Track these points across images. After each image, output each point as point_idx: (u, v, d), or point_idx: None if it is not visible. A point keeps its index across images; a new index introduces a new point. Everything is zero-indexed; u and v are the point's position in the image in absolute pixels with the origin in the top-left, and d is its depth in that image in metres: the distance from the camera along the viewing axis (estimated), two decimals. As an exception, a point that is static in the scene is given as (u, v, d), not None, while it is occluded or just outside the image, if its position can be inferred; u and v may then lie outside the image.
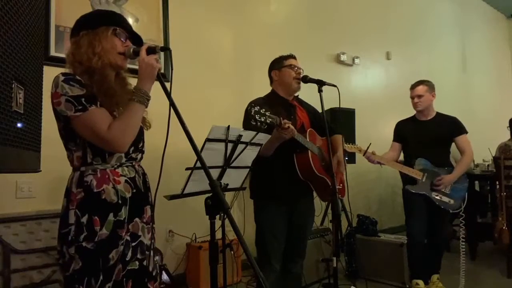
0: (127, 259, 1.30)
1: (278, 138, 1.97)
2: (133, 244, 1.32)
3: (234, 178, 1.83)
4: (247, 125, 1.99)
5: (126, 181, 1.34)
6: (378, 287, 3.19)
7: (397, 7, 5.71)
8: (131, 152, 1.39)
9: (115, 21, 1.41)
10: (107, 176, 1.30)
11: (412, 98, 3.08)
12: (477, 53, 7.37)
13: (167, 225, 3.12)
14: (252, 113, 1.78)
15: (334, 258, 2.00)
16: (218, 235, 1.68)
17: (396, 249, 3.21)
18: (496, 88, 7.73)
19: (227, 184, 1.75)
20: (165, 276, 2.65)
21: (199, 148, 1.40)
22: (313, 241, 3.22)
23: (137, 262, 1.33)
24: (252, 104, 1.82)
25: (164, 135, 1.33)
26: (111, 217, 1.27)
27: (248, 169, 1.90)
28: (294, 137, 1.97)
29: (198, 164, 1.37)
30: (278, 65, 2.30)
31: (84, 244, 1.23)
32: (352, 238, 3.38)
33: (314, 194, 2.33)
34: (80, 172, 1.30)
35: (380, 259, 3.30)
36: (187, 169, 1.53)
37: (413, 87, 3.10)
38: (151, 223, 1.43)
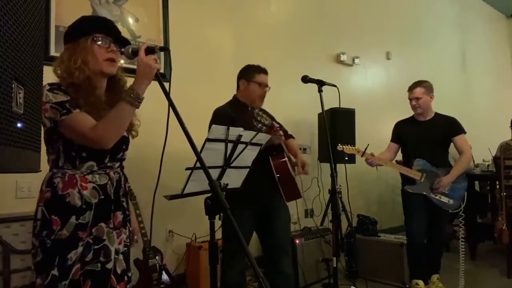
0: (86, 259, 1.33)
1: (267, 141, 1.99)
2: (96, 247, 1.36)
3: (234, 178, 1.83)
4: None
5: (94, 187, 1.37)
6: (378, 287, 3.20)
7: (397, 7, 5.70)
8: (106, 161, 1.41)
9: (95, 27, 1.40)
10: (74, 181, 1.34)
11: (410, 100, 3.08)
12: (477, 53, 7.36)
13: (167, 225, 3.12)
14: (254, 115, 1.87)
15: (334, 258, 2.01)
16: (218, 235, 1.68)
17: (396, 249, 3.22)
18: (496, 87, 7.72)
19: (227, 184, 1.74)
20: (165, 276, 2.65)
21: (199, 148, 1.40)
22: (313, 241, 3.22)
23: (99, 264, 1.36)
24: (261, 111, 1.94)
25: (164, 135, 1.33)
26: (73, 219, 1.32)
27: (248, 169, 1.90)
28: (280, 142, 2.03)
29: (198, 164, 1.37)
30: (248, 76, 2.31)
31: (46, 239, 1.30)
32: (352, 238, 3.38)
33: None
34: (51, 173, 1.37)
35: (380, 259, 3.30)
36: (187, 169, 1.53)
37: (410, 89, 3.09)
38: (122, 228, 1.46)
